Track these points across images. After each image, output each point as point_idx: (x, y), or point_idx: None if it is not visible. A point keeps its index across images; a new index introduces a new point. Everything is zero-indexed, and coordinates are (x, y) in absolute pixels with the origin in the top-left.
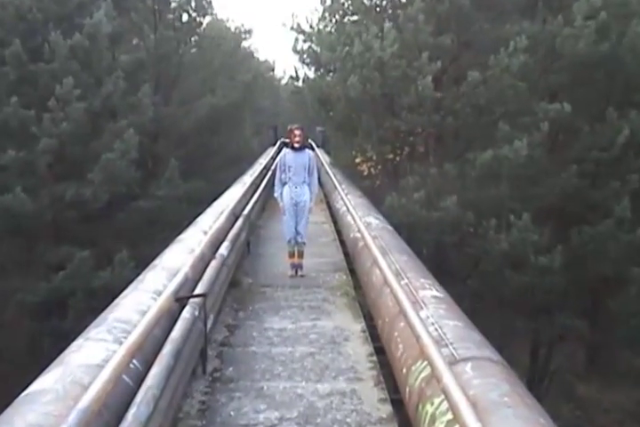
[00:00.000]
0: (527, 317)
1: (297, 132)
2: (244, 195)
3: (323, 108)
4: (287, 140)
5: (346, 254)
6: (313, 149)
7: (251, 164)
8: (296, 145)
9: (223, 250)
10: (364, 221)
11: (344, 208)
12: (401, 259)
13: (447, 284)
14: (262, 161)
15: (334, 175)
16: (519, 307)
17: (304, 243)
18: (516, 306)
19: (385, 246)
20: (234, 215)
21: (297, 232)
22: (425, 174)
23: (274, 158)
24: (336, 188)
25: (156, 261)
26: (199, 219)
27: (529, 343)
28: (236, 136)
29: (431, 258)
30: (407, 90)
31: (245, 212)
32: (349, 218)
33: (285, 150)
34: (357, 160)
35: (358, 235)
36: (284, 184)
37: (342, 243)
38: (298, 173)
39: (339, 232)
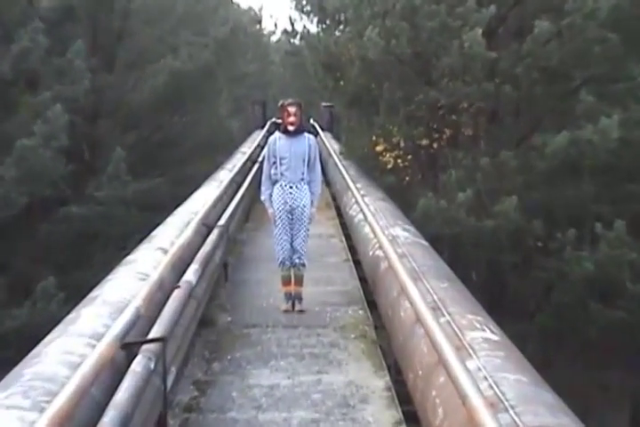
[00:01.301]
0: (623, 368)
1: (292, 109)
2: (220, 198)
3: (329, 76)
4: (279, 121)
5: (362, 280)
6: (315, 134)
7: (229, 154)
8: (291, 128)
9: (190, 275)
10: (387, 234)
11: (360, 216)
12: (440, 286)
13: (506, 321)
14: (246, 150)
15: (346, 170)
16: (611, 354)
17: (303, 265)
18: (606, 353)
19: (417, 269)
20: (205, 227)
21: (293, 250)
22: (473, 167)
23: (262, 146)
24: (349, 187)
25: (96, 292)
26: (157, 232)
27: (628, 407)
28: (208, 115)
29: (483, 285)
30: (448, 48)
31: (222, 222)
32: (367, 229)
33: (276, 135)
34: (378, 148)
35: (380, 253)
36: (274, 183)
37: (357, 264)
38: (293, 166)
39: (352, 249)
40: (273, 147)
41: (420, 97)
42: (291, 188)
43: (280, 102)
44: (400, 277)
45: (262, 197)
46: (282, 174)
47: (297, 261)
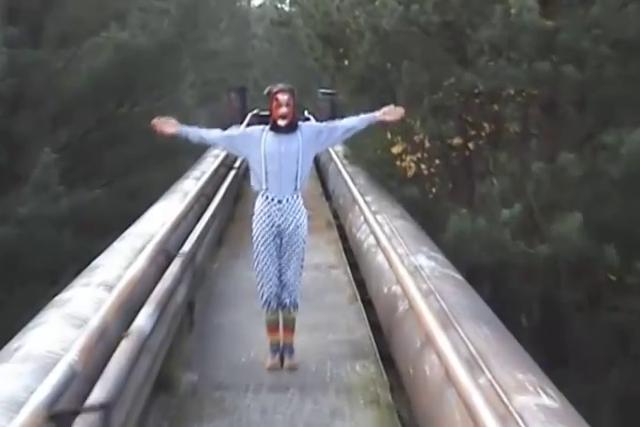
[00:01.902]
0: None
1: (283, 97)
2: (185, 216)
3: (330, 53)
4: (264, 113)
5: (374, 326)
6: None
7: (197, 158)
8: (282, 122)
9: (143, 320)
10: (408, 264)
11: (371, 239)
12: (479, 334)
13: (568, 381)
14: (219, 152)
15: (352, 179)
16: None
17: (296, 306)
18: None
19: (448, 311)
20: (164, 255)
21: (282, 286)
22: (522, 174)
23: None
24: (356, 202)
25: (15, 343)
26: (99, 261)
27: None
28: (168, 106)
29: (537, 332)
30: (488, 15)
31: (186, 248)
32: (381, 258)
33: (262, 131)
34: (396, 150)
35: (398, 289)
36: (256, 194)
37: (368, 304)
38: (284, 173)
39: (361, 284)
40: (257, 147)
41: (450, 81)
42: (279, 202)
43: (267, 89)
44: (425, 322)
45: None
46: (266, 182)
47: (287, 300)
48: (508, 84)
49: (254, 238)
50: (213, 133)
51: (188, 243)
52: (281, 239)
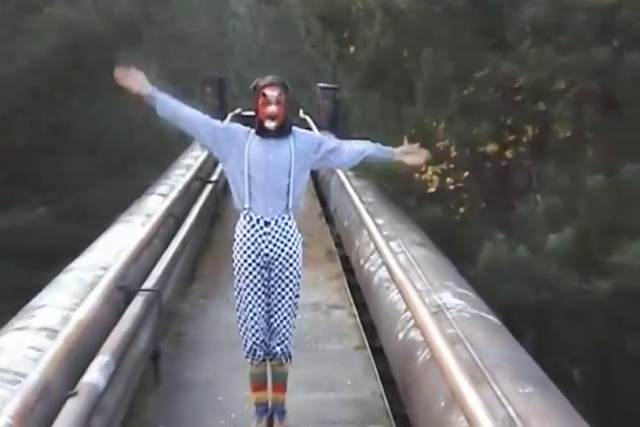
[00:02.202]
0: None
1: (272, 93)
2: (148, 243)
3: (332, 38)
4: (248, 113)
5: (387, 382)
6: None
7: (163, 169)
8: (270, 124)
9: (95, 375)
10: (430, 303)
11: (382, 272)
12: (519, 392)
13: None
14: (191, 162)
15: (359, 196)
16: None
17: (288, 357)
18: None
19: (480, 363)
20: (122, 292)
21: (271, 332)
22: (574, 190)
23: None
24: (364, 225)
25: None
26: (39, 300)
27: None
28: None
29: (592, 389)
30: None
31: (151, 283)
32: (395, 295)
33: (247, 134)
34: None
35: (417, 336)
36: (238, 214)
37: (378, 354)
38: (271, 189)
39: (370, 329)
40: (237, 135)
41: (483, 72)
42: (266, 224)
43: (254, 83)
44: (450, 377)
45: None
46: (250, 199)
47: (277, 349)
48: (556, 77)
49: (235, 271)
50: (194, 113)
51: (151, 277)
52: (269, 272)
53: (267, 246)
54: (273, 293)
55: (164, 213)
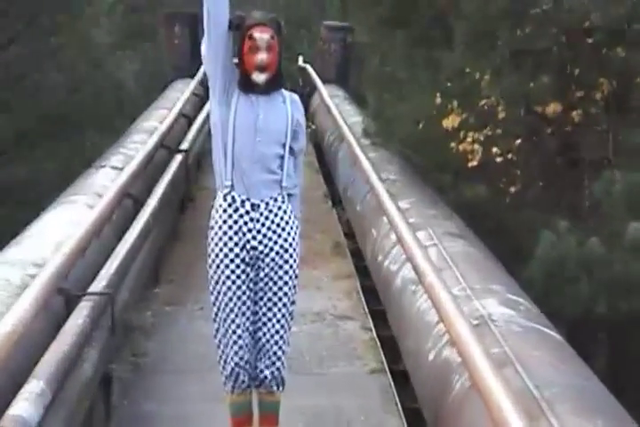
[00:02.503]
0: None
1: (261, 34)
2: (96, 233)
3: None
4: (234, 61)
5: (412, 415)
6: (302, 94)
7: (118, 133)
8: (259, 77)
9: (24, 406)
10: (470, 313)
11: (407, 271)
12: None
13: None
14: (155, 125)
15: (376, 170)
16: None
17: (280, 383)
18: None
19: (536, 393)
20: (62, 297)
21: (258, 349)
22: None
23: (191, 118)
24: (383, 208)
25: None
26: None
27: None
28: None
29: None
30: None
31: (100, 285)
32: (425, 302)
33: (234, 89)
34: (450, 122)
35: (452, 355)
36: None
37: (401, 379)
38: (259, 159)
39: (390, 346)
40: (223, 116)
41: (543, 7)
42: (253, 209)
43: (235, 20)
44: (497, 409)
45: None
46: (232, 174)
47: (266, 373)
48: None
49: (212, 271)
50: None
51: (101, 277)
52: (256, 271)
53: (254, 237)
54: (262, 298)
55: (117, 192)
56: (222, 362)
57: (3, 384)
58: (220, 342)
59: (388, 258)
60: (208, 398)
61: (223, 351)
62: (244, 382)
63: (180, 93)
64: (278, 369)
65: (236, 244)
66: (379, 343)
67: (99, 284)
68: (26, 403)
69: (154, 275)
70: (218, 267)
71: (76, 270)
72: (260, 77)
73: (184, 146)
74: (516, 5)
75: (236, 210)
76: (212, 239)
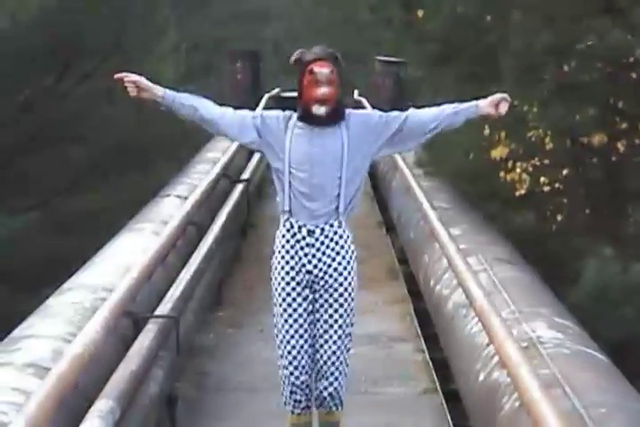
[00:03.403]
0: None
1: (322, 69)
2: (161, 259)
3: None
4: (289, 95)
5: None
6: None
7: (181, 164)
8: (319, 110)
9: (96, 423)
10: (518, 335)
11: (458, 295)
12: None
13: None
14: (217, 155)
15: (429, 199)
16: None
17: (340, 403)
18: None
19: (584, 414)
20: (130, 319)
21: (317, 373)
22: None
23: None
24: (435, 235)
25: None
26: (23, 330)
27: None
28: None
29: None
30: None
31: (166, 308)
32: (475, 325)
33: (288, 121)
34: (498, 152)
35: (502, 376)
36: (283, 224)
37: (452, 399)
38: (317, 187)
39: (442, 368)
40: (272, 127)
41: (589, 42)
42: (310, 234)
43: (295, 55)
44: None
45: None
46: (290, 202)
47: (325, 394)
48: None
49: (274, 292)
50: (217, 108)
51: (167, 301)
52: (313, 294)
53: (309, 262)
54: (319, 320)
55: (182, 220)
56: (282, 382)
57: (74, 402)
58: (280, 363)
59: (439, 282)
60: (269, 416)
61: (283, 372)
62: (301, 402)
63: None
64: (336, 389)
65: (292, 267)
66: (431, 364)
67: (164, 307)
68: (96, 420)
69: (216, 298)
70: (276, 290)
71: (143, 294)
72: (320, 110)
73: (245, 175)
74: (562, 41)
75: (294, 235)
76: (274, 263)
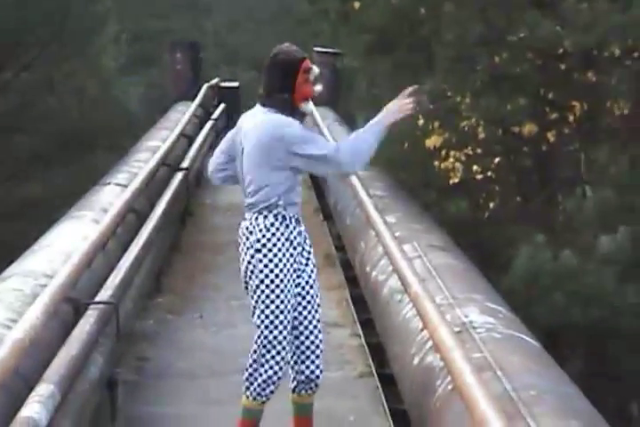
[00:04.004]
0: None
1: (315, 67)
2: (102, 245)
3: None
4: (230, 85)
5: (398, 417)
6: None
7: (122, 152)
8: (307, 107)
9: (35, 408)
10: (452, 320)
11: (393, 282)
12: None
13: None
14: (157, 144)
15: (364, 186)
16: None
17: (317, 385)
18: None
19: (515, 396)
20: (71, 306)
21: (303, 356)
22: (631, 179)
23: (191, 137)
24: (371, 222)
25: None
26: None
27: None
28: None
29: None
30: None
31: (106, 294)
32: (409, 310)
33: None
34: (432, 142)
35: (435, 360)
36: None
37: (388, 382)
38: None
39: (378, 352)
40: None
41: (520, 34)
42: (298, 223)
43: (278, 51)
44: (478, 412)
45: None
46: (288, 195)
47: (313, 376)
48: (610, 40)
49: (276, 282)
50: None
51: (107, 287)
52: (301, 282)
53: (303, 248)
54: (307, 305)
55: (122, 207)
56: (259, 374)
57: (15, 387)
58: (269, 350)
59: (375, 269)
60: (208, 401)
61: (255, 361)
62: (272, 392)
63: (181, 115)
64: (321, 370)
65: (293, 258)
66: (367, 349)
67: (104, 293)
68: (37, 405)
69: (156, 285)
70: (281, 280)
71: (84, 281)
72: (308, 107)
73: (185, 164)
74: (493, 33)
75: (288, 226)
76: (275, 254)
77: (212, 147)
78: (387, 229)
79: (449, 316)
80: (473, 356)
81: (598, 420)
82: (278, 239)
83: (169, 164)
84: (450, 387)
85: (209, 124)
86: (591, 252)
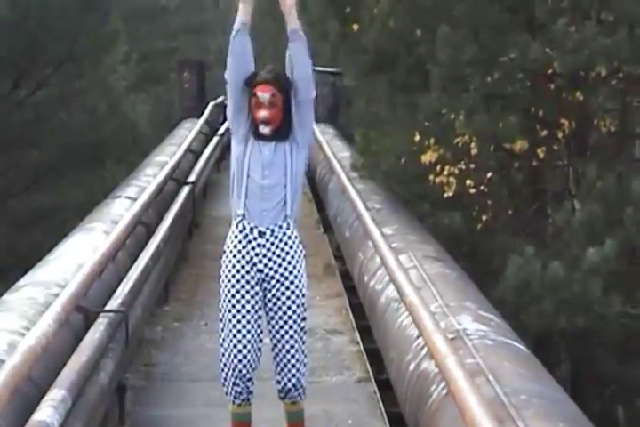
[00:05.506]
0: None
1: (264, 93)
2: (112, 256)
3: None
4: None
5: (395, 421)
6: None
7: (131, 167)
8: (264, 130)
9: (47, 413)
10: (446, 328)
11: (390, 291)
12: None
13: None
14: (165, 159)
15: (362, 200)
16: None
17: (301, 395)
18: None
19: (506, 400)
20: (82, 314)
21: (279, 368)
22: (620, 195)
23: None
24: (369, 234)
25: None
26: None
27: None
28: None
29: None
30: None
31: (116, 303)
32: (405, 318)
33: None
34: (428, 157)
35: (430, 366)
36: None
37: (385, 387)
38: (267, 193)
39: (376, 358)
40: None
41: (511, 55)
42: (261, 235)
43: (249, 76)
44: (471, 415)
45: None
46: (244, 205)
47: (289, 385)
48: (597, 61)
49: (222, 289)
50: (248, 66)
51: (116, 296)
52: (264, 293)
53: (260, 261)
54: (273, 318)
55: (131, 220)
56: (224, 374)
57: (28, 392)
58: (222, 355)
59: (373, 279)
60: (212, 403)
61: (227, 365)
62: (242, 393)
63: (188, 132)
64: (298, 380)
65: (243, 266)
66: (365, 355)
67: (114, 302)
68: (49, 409)
69: (163, 294)
70: (225, 286)
71: (94, 290)
72: (265, 130)
73: (191, 178)
74: (486, 54)
75: (246, 236)
76: (224, 262)
77: (218, 162)
78: (384, 240)
79: (443, 323)
80: (466, 362)
81: (585, 423)
82: (227, 247)
83: (176, 178)
84: (444, 392)
85: (215, 140)
86: (579, 263)
